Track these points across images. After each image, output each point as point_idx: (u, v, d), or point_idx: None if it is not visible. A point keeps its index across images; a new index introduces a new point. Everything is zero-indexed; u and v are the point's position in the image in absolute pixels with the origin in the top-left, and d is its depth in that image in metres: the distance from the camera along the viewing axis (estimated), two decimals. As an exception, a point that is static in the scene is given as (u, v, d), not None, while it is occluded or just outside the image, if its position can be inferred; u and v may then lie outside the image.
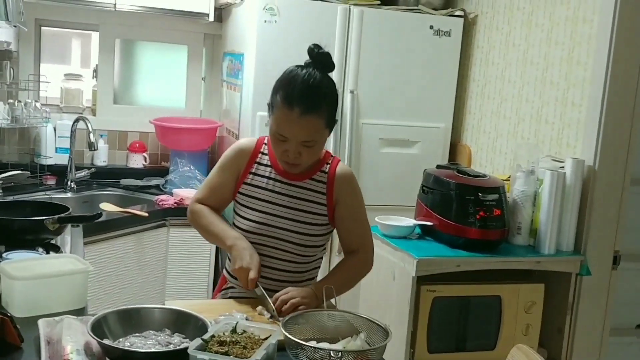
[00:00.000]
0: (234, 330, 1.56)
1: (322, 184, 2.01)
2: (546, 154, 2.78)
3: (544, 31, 2.92)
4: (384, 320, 1.66)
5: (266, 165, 2.03)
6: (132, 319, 1.62)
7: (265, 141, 2.06)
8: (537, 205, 2.59)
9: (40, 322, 1.61)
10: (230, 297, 2.07)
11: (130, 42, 3.94)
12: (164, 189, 3.52)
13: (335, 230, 2.08)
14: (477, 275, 2.51)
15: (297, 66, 1.91)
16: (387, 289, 2.55)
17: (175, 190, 3.39)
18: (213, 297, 2.18)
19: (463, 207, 2.46)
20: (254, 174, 2.02)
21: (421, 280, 2.41)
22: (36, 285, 1.76)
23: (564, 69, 2.78)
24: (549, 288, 2.61)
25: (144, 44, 3.98)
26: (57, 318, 1.63)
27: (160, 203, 3.26)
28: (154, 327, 1.62)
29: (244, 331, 1.57)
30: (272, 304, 1.86)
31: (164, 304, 1.86)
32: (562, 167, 2.59)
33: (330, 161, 2.04)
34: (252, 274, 1.87)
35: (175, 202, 3.27)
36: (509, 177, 2.75)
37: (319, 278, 2.13)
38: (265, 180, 2.01)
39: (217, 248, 3.30)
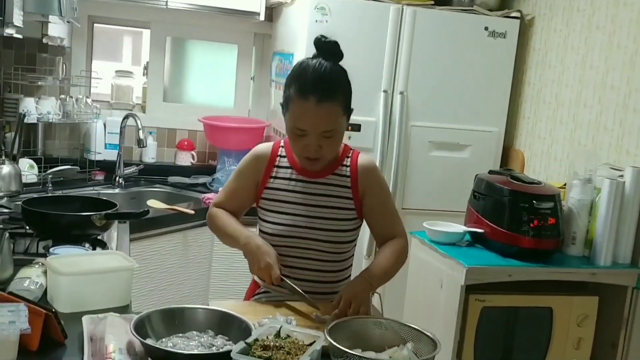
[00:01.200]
0: (277, 335, 1.53)
1: (346, 178, 1.97)
2: (604, 162, 2.66)
3: (605, 34, 2.81)
4: (429, 329, 1.60)
5: (286, 167, 1.99)
6: (176, 319, 1.60)
7: (282, 144, 2.03)
8: (593, 214, 2.49)
9: (85, 318, 1.61)
10: (265, 302, 2.04)
11: (181, 40, 3.96)
12: (210, 187, 3.52)
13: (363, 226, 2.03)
14: (526, 285, 2.43)
15: (306, 58, 1.90)
16: (433, 296, 2.48)
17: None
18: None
19: (516, 214, 2.38)
20: (274, 177, 1.99)
21: (469, 289, 2.34)
22: (82, 281, 1.76)
23: (626, 73, 2.67)
24: (603, 301, 2.50)
25: (194, 42, 4.00)
26: (100, 315, 1.63)
27: (207, 201, 3.26)
28: (197, 328, 1.59)
29: (288, 336, 1.53)
30: (311, 300, 1.84)
31: (207, 304, 1.85)
32: (621, 175, 2.48)
33: (350, 154, 2.00)
34: (275, 272, 1.84)
35: (221, 201, 3.25)
36: (565, 185, 2.65)
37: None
38: (286, 181, 1.98)
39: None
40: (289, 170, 1.99)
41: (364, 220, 2.03)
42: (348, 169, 1.98)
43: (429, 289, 2.50)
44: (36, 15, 2.40)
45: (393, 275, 1.97)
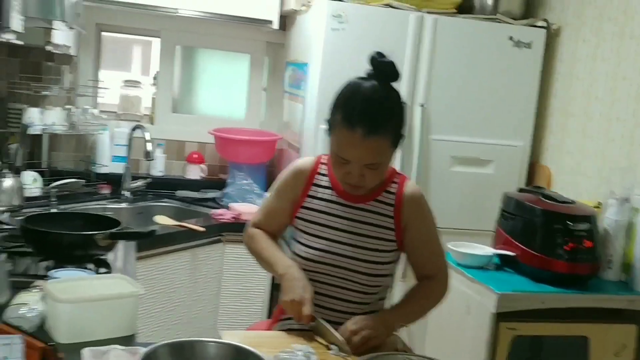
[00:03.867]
0: (298, 374, 1.38)
1: (389, 207, 1.82)
2: (640, 180, 2.51)
3: (639, 43, 2.66)
4: (456, 358, 1.46)
5: (325, 187, 1.85)
6: (185, 353, 1.45)
7: (324, 160, 1.89)
8: (631, 237, 2.34)
9: (85, 351, 1.49)
10: (289, 329, 1.89)
11: (192, 49, 3.86)
12: (220, 203, 3.39)
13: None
14: (560, 312, 2.28)
15: (359, 78, 1.73)
16: (460, 324, 2.33)
17: (232, 205, 3.25)
18: (269, 327, 2.00)
19: (550, 236, 2.25)
20: (312, 197, 1.85)
21: (499, 317, 2.19)
22: (82, 309, 1.62)
23: (664, 85, 2.52)
24: (643, 330, 2.36)
25: (205, 51, 3.89)
26: (103, 348, 1.51)
27: (217, 217, 3.12)
28: (208, 364, 1.45)
29: (310, 375, 1.39)
30: (339, 336, 1.69)
31: (219, 335, 1.71)
32: (661, 194, 2.33)
33: (396, 180, 1.85)
34: (307, 310, 1.70)
35: (233, 217, 3.12)
36: (598, 204, 2.50)
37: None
38: (324, 203, 1.84)
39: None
40: (329, 192, 1.85)
41: (404, 253, 1.89)
42: (393, 196, 1.84)
43: (454, 315, 2.34)
44: (39, 21, 2.28)
45: (416, 319, 1.86)
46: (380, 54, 1.73)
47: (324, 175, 1.87)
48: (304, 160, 1.94)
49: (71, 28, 2.56)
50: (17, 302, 1.68)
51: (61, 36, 2.71)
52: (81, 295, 1.65)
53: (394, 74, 1.73)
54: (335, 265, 1.82)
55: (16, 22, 1.92)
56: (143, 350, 1.41)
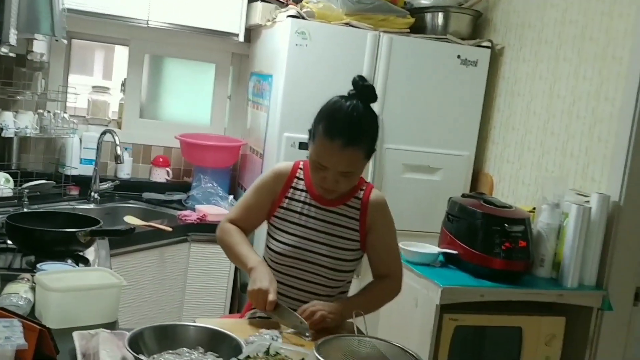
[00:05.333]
0: (267, 352, 1.58)
1: (356, 210, 2.04)
2: (571, 188, 2.79)
3: (572, 65, 2.95)
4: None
5: (302, 190, 2.06)
6: (168, 336, 1.64)
7: (301, 166, 2.10)
8: (561, 238, 2.60)
9: (75, 334, 1.64)
10: (259, 317, 2.09)
11: (159, 57, 3.99)
12: (185, 204, 3.55)
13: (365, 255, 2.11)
14: (497, 305, 2.52)
15: (341, 97, 1.94)
16: (408, 315, 2.56)
17: (197, 206, 3.41)
18: (242, 316, 2.19)
19: (489, 237, 2.48)
20: (290, 198, 2.06)
21: (443, 309, 2.42)
22: (71, 297, 1.78)
23: (591, 104, 2.80)
24: (570, 321, 2.62)
25: (172, 60, 4.02)
26: (92, 331, 1.66)
27: (183, 218, 3.28)
28: (188, 344, 1.63)
29: (277, 353, 1.59)
30: (298, 316, 1.87)
31: (182, 321, 1.88)
32: (587, 201, 2.60)
33: (364, 187, 2.08)
34: (272, 296, 1.87)
35: (198, 218, 3.29)
36: (534, 209, 2.76)
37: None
38: (300, 205, 2.05)
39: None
40: (304, 194, 2.06)
41: (366, 253, 2.10)
42: (359, 202, 2.06)
43: (403, 307, 2.57)
44: (25, 33, 2.41)
45: (370, 311, 2.03)
46: (362, 78, 1.95)
47: (300, 179, 2.08)
48: (284, 164, 2.14)
49: (57, 40, 2.69)
50: (8, 292, 1.82)
51: (39, 45, 2.84)
52: (69, 285, 1.81)
53: (373, 96, 1.95)
54: (305, 260, 2.02)
55: (12, 37, 2.07)
56: (129, 333, 1.58)
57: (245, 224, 2.12)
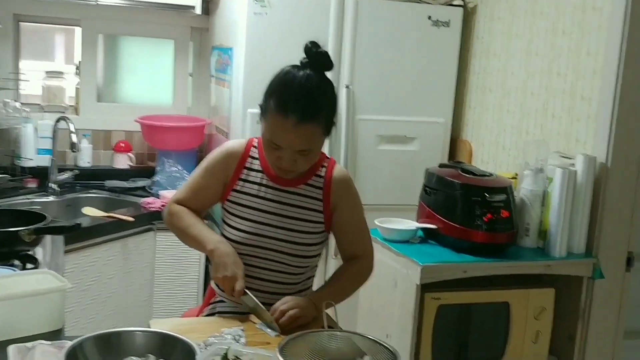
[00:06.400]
0: (224, 357, 1.41)
1: (318, 190, 1.86)
2: (554, 150, 2.63)
3: (549, 20, 2.77)
4: (385, 331, 1.52)
5: (257, 171, 1.87)
6: (112, 345, 1.47)
7: (255, 144, 1.91)
8: (546, 205, 2.45)
9: (10, 348, 1.50)
10: (218, 312, 1.92)
11: (114, 37, 3.78)
12: (150, 191, 3.37)
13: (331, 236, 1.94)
14: (482, 280, 2.38)
15: (293, 66, 1.75)
16: (388, 297, 2.40)
17: (162, 192, 3.24)
18: (200, 311, 2.03)
19: (469, 208, 2.32)
20: (244, 180, 1.87)
21: (425, 288, 2.27)
22: (6, 306, 1.61)
23: (572, 60, 2.63)
24: (560, 293, 2.48)
25: (128, 39, 3.82)
26: (29, 344, 1.52)
27: (147, 206, 3.11)
28: (136, 352, 1.46)
29: (236, 357, 1.42)
30: (269, 315, 1.74)
31: (149, 324, 1.72)
32: (572, 164, 2.44)
33: (325, 164, 1.89)
34: (240, 285, 1.73)
35: (162, 205, 3.10)
36: (516, 175, 2.61)
37: (314, 286, 2.00)
38: (256, 187, 1.86)
39: (207, 253, 3.16)
40: (260, 175, 1.87)
41: (332, 234, 1.94)
42: (322, 180, 1.87)
43: (382, 289, 2.42)
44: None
45: (344, 298, 1.89)
46: (315, 44, 1.76)
47: (255, 158, 1.88)
48: (235, 143, 1.93)
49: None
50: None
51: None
52: (5, 292, 1.64)
53: (329, 64, 1.76)
54: (265, 247, 1.84)
55: None
56: (69, 344, 1.41)
57: (195, 205, 1.92)
